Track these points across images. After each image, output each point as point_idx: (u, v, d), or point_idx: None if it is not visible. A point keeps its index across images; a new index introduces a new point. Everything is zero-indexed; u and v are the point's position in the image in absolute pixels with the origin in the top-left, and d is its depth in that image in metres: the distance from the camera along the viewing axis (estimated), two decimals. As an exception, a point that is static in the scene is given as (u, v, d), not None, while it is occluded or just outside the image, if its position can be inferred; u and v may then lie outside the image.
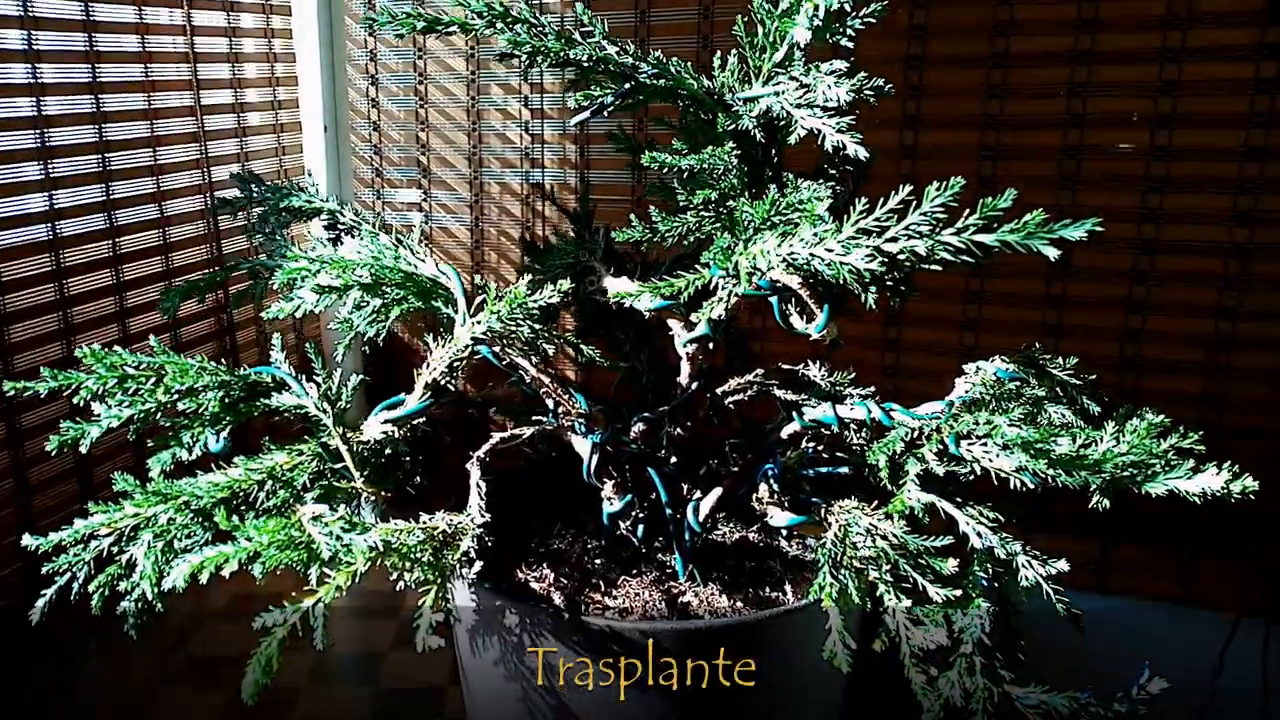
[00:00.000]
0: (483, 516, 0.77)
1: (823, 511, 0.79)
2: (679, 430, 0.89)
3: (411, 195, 1.53)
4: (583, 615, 0.77)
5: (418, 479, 0.88)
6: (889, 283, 0.73)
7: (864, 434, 0.89)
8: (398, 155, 1.52)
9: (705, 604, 0.85)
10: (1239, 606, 1.26)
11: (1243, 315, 1.14)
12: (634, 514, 0.88)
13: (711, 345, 0.87)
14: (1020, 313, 1.23)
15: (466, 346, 0.76)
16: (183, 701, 1.15)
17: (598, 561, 0.90)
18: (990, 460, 0.69)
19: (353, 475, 0.79)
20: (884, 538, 0.74)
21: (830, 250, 0.68)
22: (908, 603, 0.69)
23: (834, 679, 0.88)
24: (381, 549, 0.70)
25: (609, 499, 0.88)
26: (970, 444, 0.70)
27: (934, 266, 0.66)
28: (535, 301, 0.77)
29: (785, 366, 0.97)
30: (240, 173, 1.02)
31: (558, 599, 0.83)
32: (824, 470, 0.86)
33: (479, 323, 0.77)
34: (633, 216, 0.81)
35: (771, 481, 0.82)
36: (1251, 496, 0.63)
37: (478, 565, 0.74)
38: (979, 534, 0.71)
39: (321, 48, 1.48)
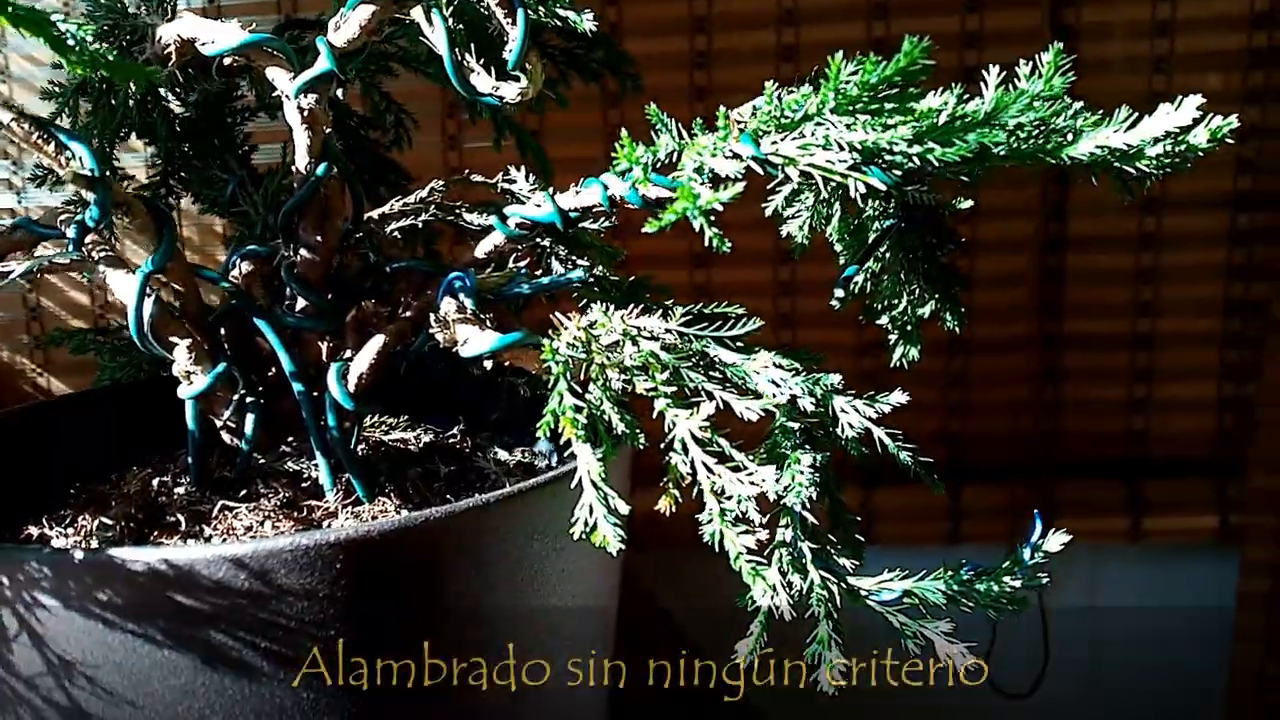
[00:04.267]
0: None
1: (551, 330, 0.47)
2: (301, 255, 0.53)
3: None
4: (111, 550, 0.40)
5: None
6: None
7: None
8: None
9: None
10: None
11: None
12: (237, 398, 0.52)
13: (341, 90, 0.53)
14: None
15: None
16: None
17: (179, 491, 0.52)
18: (811, 158, 0.40)
19: None
20: (653, 338, 0.43)
21: None
22: (701, 421, 0.39)
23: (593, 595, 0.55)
24: None
25: (186, 375, 0.51)
26: (777, 141, 0.41)
27: None
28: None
29: (477, 177, 0.65)
30: None
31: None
32: (548, 282, 0.54)
33: None
34: None
35: (463, 297, 0.49)
36: (1230, 140, 0.38)
37: None
38: (772, 379, 0.42)
39: None
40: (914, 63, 0.36)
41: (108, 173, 0.43)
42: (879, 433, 0.47)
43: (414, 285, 0.60)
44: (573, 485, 0.40)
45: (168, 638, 0.40)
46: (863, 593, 0.46)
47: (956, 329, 0.65)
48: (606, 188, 0.53)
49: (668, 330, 0.43)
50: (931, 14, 1.03)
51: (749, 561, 0.38)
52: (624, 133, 0.44)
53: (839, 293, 0.61)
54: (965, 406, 1.16)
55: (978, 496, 1.18)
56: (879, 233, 0.63)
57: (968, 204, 0.61)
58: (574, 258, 0.61)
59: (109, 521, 0.49)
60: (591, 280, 0.55)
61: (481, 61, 0.55)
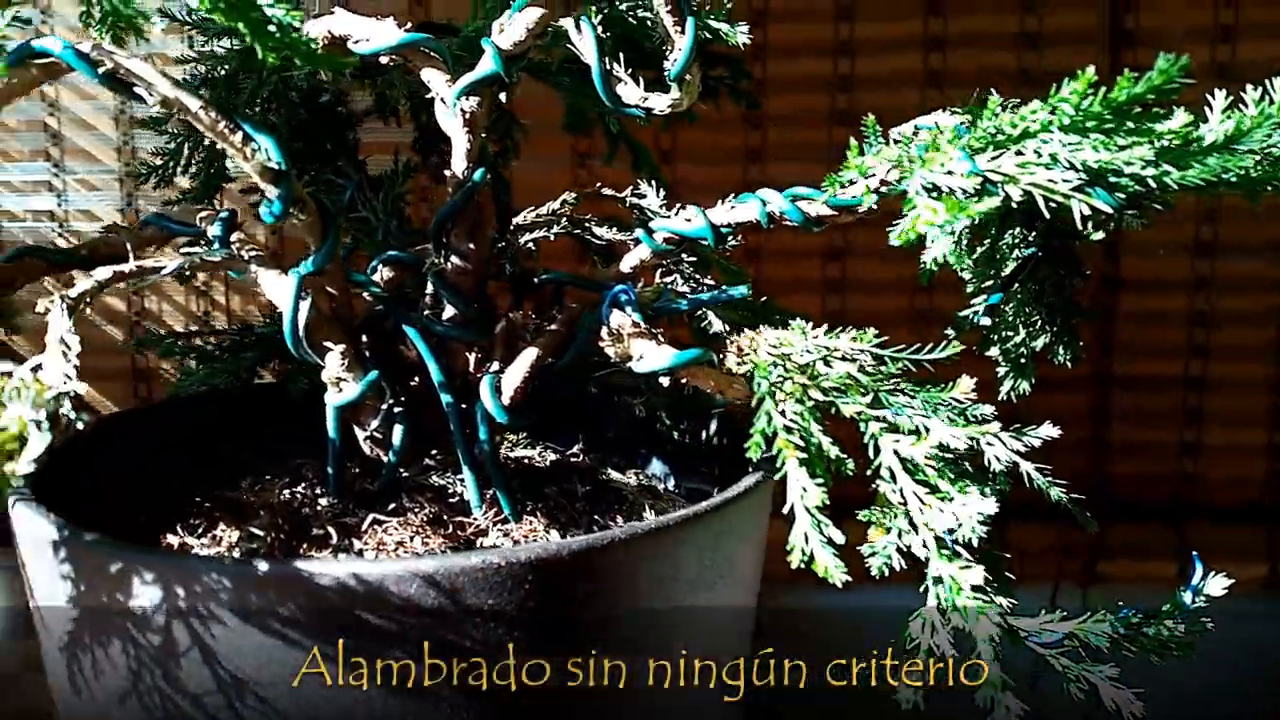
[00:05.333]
0: (71, 382, 0.37)
1: (727, 343, 0.46)
2: (452, 263, 0.52)
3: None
4: (298, 564, 0.38)
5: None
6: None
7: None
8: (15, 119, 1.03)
9: (531, 543, 0.48)
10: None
11: None
12: (385, 408, 0.50)
13: (505, 95, 0.52)
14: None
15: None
16: None
17: (322, 503, 0.51)
18: (1032, 176, 0.38)
19: None
20: (846, 358, 0.41)
21: None
22: (928, 448, 0.37)
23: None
24: None
25: (336, 382, 0.49)
26: (996, 157, 0.39)
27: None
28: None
29: (607, 190, 0.63)
30: None
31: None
32: (707, 299, 0.52)
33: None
34: None
35: (629, 310, 0.47)
36: None
37: (23, 466, 0.33)
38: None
39: None
40: (1170, 81, 0.34)
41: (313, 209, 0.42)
42: (1027, 467, 0.46)
43: (545, 298, 0.58)
44: (731, 509, 0.38)
45: (350, 656, 0.38)
46: (1022, 633, 0.44)
47: (1069, 364, 0.64)
48: (765, 204, 0.52)
49: (861, 351, 0.42)
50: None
51: (974, 597, 0.37)
52: (852, 142, 0.42)
53: (985, 321, 0.60)
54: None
55: (1026, 536, 1.16)
56: (1018, 262, 0.62)
57: (1099, 236, 0.60)
58: (698, 274, 0.60)
59: (258, 532, 0.47)
60: (728, 299, 0.53)
61: (629, 71, 0.54)
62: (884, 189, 0.45)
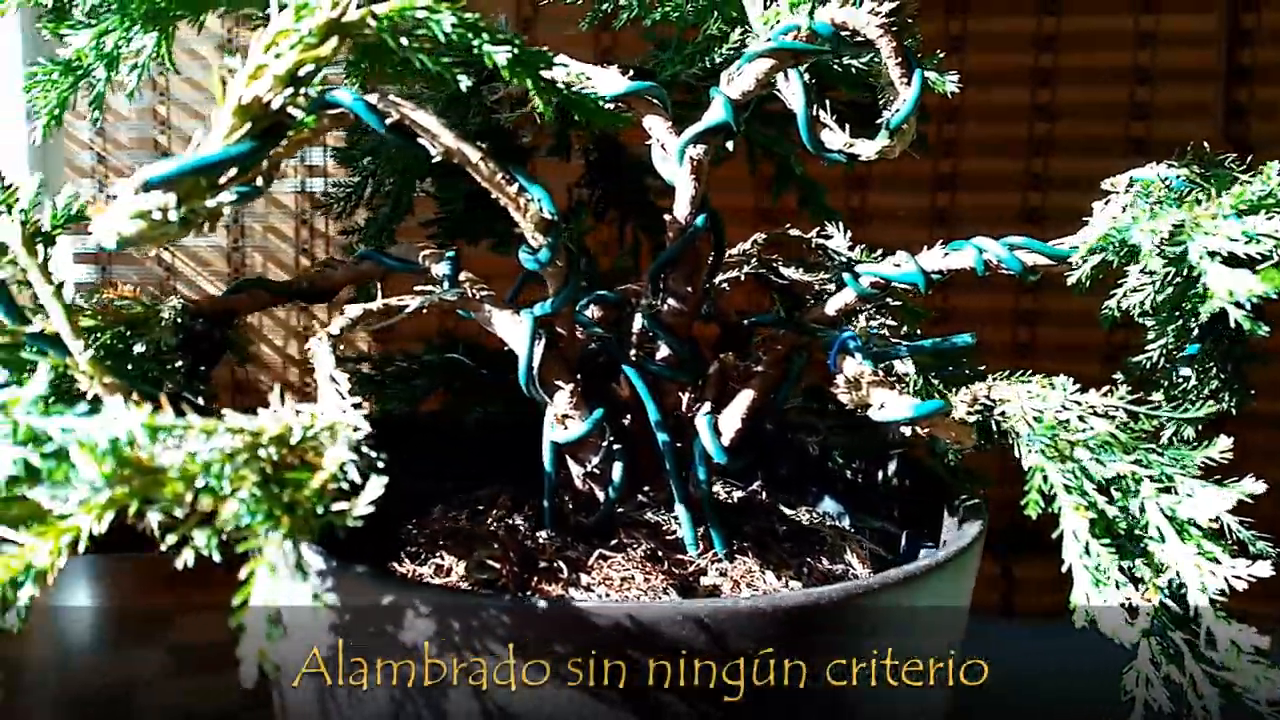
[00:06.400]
0: (358, 418, 0.38)
1: (954, 393, 0.46)
2: (668, 305, 0.53)
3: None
4: (577, 601, 0.39)
5: (200, 387, 0.47)
6: None
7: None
8: (128, 135, 1.07)
9: (749, 585, 0.49)
10: None
11: None
12: (606, 445, 0.51)
13: (730, 144, 0.53)
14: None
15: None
16: None
17: (540, 536, 0.52)
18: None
19: (66, 347, 0.37)
20: (1103, 415, 0.42)
21: None
22: (1210, 512, 0.37)
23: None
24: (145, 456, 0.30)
25: (562, 419, 0.50)
26: (1270, 218, 0.40)
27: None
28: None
29: (794, 231, 0.64)
30: None
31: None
32: (929, 346, 0.53)
33: None
34: None
35: (858, 355, 0.48)
36: None
37: (361, 508, 0.34)
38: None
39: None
40: None
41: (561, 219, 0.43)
42: (1230, 520, 0.46)
43: (744, 339, 0.59)
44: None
45: (618, 695, 0.39)
46: (1237, 689, 0.44)
47: (1234, 410, 0.64)
48: (982, 251, 0.52)
49: (1115, 407, 0.42)
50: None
51: (1255, 660, 0.37)
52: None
53: (1185, 371, 0.60)
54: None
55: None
56: (1214, 313, 0.62)
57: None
58: (882, 316, 0.61)
59: (493, 564, 0.48)
60: (950, 346, 0.54)
61: (834, 118, 0.55)
62: (1119, 249, 0.46)
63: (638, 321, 0.56)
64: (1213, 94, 0.98)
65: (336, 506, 0.34)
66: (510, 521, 0.53)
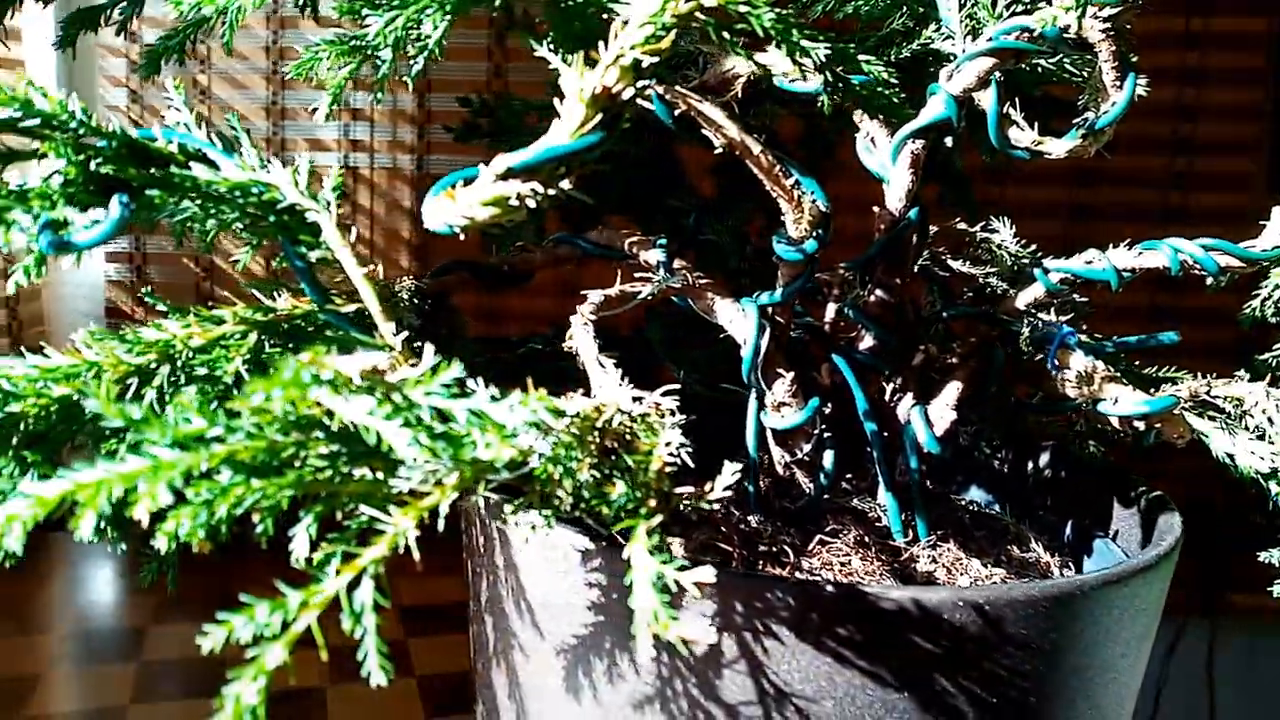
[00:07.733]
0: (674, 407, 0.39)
1: (1172, 390, 0.48)
2: (874, 295, 0.54)
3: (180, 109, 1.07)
4: (863, 586, 0.40)
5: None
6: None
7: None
8: (162, 106, 1.06)
9: (963, 573, 0.51)
10: None
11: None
12: (818, 433, 0.52)
13: (950, 140, 0.54)
14: None
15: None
16: None
17: (752, 519, 0.53)
18: None
19: (375, 323, 0.38)
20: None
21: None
22: None
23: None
24: (551, 433, 0.30)
25: (780, 407, 0.52)
26: None
27: None
28: None
29: (960, 225, 0.66)
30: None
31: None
32: (1134, 343, 0.54)
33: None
34: None
35: (1080, 352, 0.50)
36: None
37: (718, 491, 0.35)
38: None
39: None
40: None
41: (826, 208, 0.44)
42: None
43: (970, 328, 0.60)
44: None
45: (895, 679, 0.41)
46: None
47: None
48: (1178, 251, 0.54)
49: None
50: None
51: None
52: None
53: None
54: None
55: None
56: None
57: None
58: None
59: (725, 546, 0.49)
60: (1156, 343, 0.55)
61: (1023, 115, 0.56)
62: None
63: (830, 310, 0.57)
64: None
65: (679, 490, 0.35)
66: (729, 505, 0.54)
